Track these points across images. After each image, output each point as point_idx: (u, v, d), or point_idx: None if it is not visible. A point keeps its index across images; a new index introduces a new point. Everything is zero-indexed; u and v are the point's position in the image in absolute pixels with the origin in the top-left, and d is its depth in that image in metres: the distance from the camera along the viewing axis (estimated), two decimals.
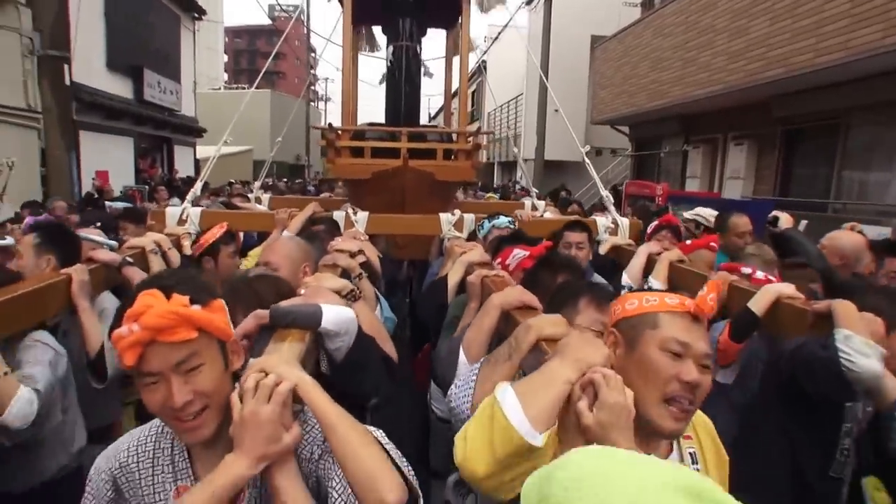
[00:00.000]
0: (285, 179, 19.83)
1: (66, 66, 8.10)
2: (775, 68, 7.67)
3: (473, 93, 28.36)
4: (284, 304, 1.44)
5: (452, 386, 1.42)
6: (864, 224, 4.36)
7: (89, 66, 10.83)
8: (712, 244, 3.26)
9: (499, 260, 2.47)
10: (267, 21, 49.95)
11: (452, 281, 2.50)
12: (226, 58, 50.38)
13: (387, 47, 5.49)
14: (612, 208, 4.08)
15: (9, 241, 2.82)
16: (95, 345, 2.13)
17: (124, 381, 2.43)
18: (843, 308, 1.73)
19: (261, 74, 6.20)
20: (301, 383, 1.09)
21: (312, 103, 31.99)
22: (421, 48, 5.46)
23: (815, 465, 1.97)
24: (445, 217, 3.82)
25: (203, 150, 16.80)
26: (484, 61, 23.45)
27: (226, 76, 50.83)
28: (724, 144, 10.75)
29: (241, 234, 3.63)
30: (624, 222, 3.82)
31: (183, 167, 15.78)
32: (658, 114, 11.87)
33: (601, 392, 1.07)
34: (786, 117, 8.82)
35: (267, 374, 1.07)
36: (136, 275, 2.40)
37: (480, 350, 1.58)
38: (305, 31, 29.52)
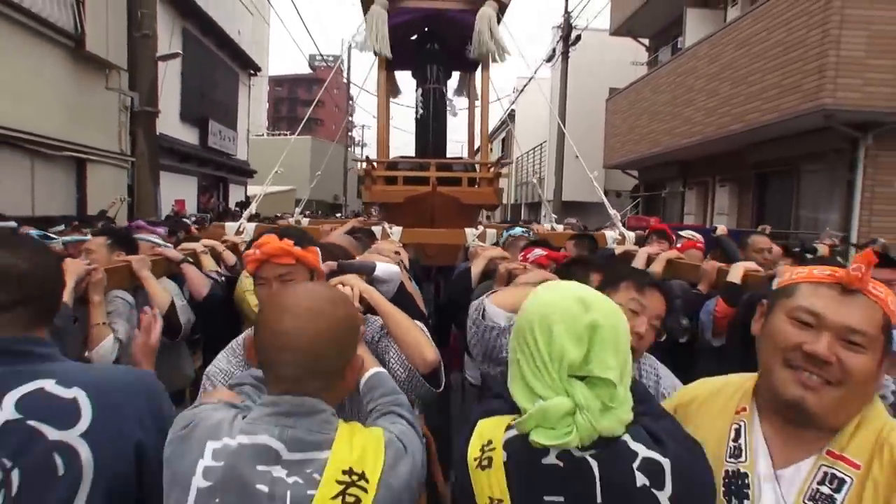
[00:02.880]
0: (320, 212, 21.83)
1: (155, 120, 10.22)
2: (737, 123, 9.54)
3: (503, 139, 30.57)
4: (350, 261, 2.11)
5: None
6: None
7: (167, 118, 13.05)
8: (699, 245, 3.92)
9: (521, 256, 2.95)
10: (306, 70, 52.83)
11: (476, 270, 3.09)
12: (266, 105, 53.12)
13: (416, 90, 6.06)
14: (619, 224, 5.01)
15: (87, 237, 3.34)
16: (164, 303, 2.59)
17: (193, 346, 2.93)
18: (786, 269, 2.08)
19: (302, 123, 7.77)
20: (365, 289, 1.68)
21: (350, 148, 34.37)
22: (446, 89, 6.11)
23: None
24: (470, 231, 4.52)
25: (252, 189, 19.06)
26: (513, 111, 25.63)
27: (265, 122, 53.58)
28: (713, 186, 12.52)
29: None
30: (630, 235, 4.65)
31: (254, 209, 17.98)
32: (659, 159, 13.74)
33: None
34: (756, 163, 10.68)
35: (343, 285, 1.67)
36: (190, 270, 2.99)
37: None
38: (344, 80, 32.12)
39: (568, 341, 1.05)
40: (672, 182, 14.49)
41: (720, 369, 2.47)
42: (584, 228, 8.74)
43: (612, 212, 5.19)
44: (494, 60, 5.46)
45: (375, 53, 5.44)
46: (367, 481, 1.03)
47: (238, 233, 4.25)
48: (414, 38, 6.03)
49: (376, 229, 4.27)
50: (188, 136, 14.80)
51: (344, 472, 1.02)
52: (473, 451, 1.11)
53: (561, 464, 1.04)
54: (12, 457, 0.99)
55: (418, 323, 1.69)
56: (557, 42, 17.93)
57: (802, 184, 9.76)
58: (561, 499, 1.03)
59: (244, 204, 9.37)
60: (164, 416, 1.16)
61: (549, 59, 18.79)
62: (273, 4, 18.81)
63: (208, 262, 3.15)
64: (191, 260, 3.05)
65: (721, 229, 5.75)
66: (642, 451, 1.02)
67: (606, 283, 1.75)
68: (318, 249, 1.76)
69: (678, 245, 3.92)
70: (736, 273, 2.63)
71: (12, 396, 1.03)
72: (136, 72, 10.04)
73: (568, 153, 15.86)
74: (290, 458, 1.03)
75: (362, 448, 1.06)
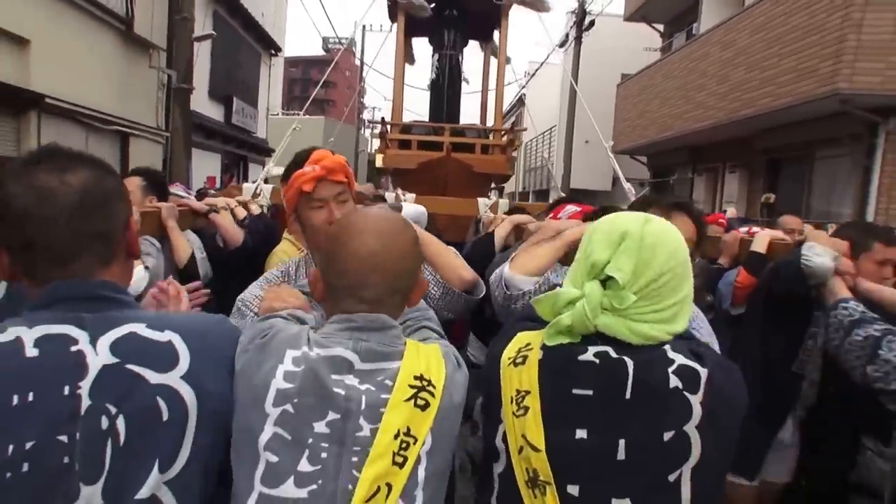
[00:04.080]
0: None
1: (190, 97, 10.63)
2: (748, 108, 9.71)
3: (512, 124, 30.75)
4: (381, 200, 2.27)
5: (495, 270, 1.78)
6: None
7: (196, 95, 13.39)
8: (721, 220, 3.90)
9: (551, 214, 2.73)
10: (320, 52, 52.89)
11: (500, 234, 2.88)
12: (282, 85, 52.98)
13: (432, 56, 6.12)
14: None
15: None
16: (184, 255, 2.65)
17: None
18: (815, 234, 2.20)
19: (309, 100, 7.97)
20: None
21: (360, 130, 34.59)
22: (462, 57, 6.06)
23: (780, 357, 2.23)
24: (483, 200, 4.39)
25: (268, 166, 19.38)
26: (524, 94, 25.71)
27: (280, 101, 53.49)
28: (722, 172, 12.68)
29: None
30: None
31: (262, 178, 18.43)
32: (669, 144, 13.86)
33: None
34: (767, 149, 10.78)
35: None
36: (221, 219, 3.00)
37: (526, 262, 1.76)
38: (356, 62, 32.23)
39: (598, 244, 1.14)
40: (681, 168, 14.59)
41: (739, 336, 2.40)
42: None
43: (626, 185, 5.09)
44: (539, 9, 5.46)
45: (392, 18, 5.69)
46: (433, 387, 1.09)
47: (255, 195, 4.28)
48: (433, 4, 5.97)
49: (389, 196, 4.25)
50: (214, 112, 15.03)
51: (415, 378, 1.08)
52: (509, 352, 1.19)
53: (597, 361, 1.09)
54: (116, 403, 0.95)
55: (451, 248, 1.72)
56: (571, 27, 18.14)
57: (816, 170, 9.81)
58: (589, 392, 1.08)
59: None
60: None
61: (561, 45, 18.99)
62: None
63: (228, 218, 3.16)
64: (216, 210, 3.08)
65: (731, 212, 5.85)
66: (679, 359, 1.07)
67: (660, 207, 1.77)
68: None
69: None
70: (761, 242, 2.56)
71: (106, 339, 0.98)
72: (174, 51, 10.27)
73: (578, 140, 16.19)
74: (363, 368, 1.08)
75: (427, 358, 1.12)
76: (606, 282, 1.10)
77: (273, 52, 19.51)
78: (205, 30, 12.40)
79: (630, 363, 1.07)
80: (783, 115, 9.25)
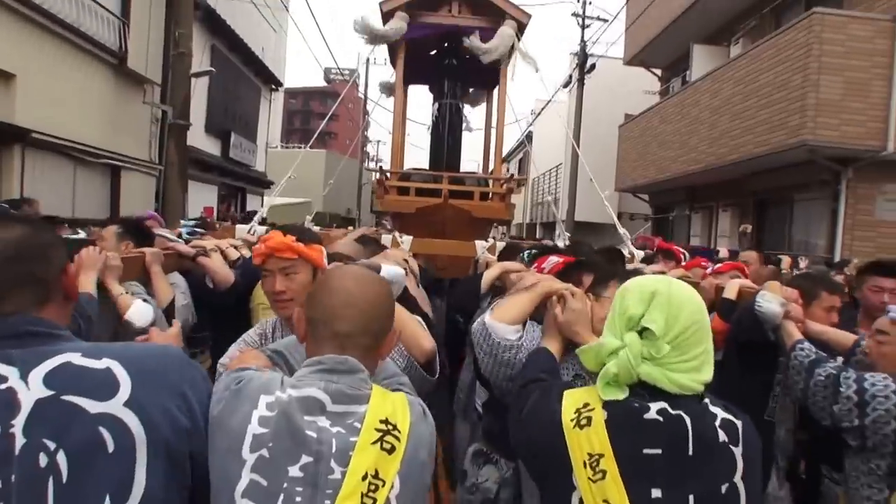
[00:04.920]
0: (334, 224, 22.78)
1: (186, 132, 11.13)
2: (734, 154, 10.65)
3: (520, 160, 31.62)
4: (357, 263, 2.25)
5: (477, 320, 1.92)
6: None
7: (193, 130, 14.07)
8: (703, 263, 4.11)
9: (536, 265, 2.85)
10: (321, 82, 52.88)
11: (488, 277, 3.05)
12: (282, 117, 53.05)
13: (432, 104, 6.23)
14: (629, 243, 5.11)
15: (81, 234, 3.40)
16: (166, 298, 2.72)
17: (190, 348, 2.90)
18: (771, 284, 2.44)
19: (314, 136, 8.25)
20: None
21: (364, 163, 35.48)
22: (462, 105, 6.25)
23: (755, 406, 2.34)
24: (480, 243, 4.68)
25: (269, 200, 20.12)
26: (531, 132, 26.65)
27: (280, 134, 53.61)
28: (716, 210, 13.60)
29: None
30: (638, 253, 4.83)
31: (264, 213, 19.08)
32: (667, 185, 14.79)
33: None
34: (755, 190, 11.78)
35: None
36: (209, 262, 3.06)
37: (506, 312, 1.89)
38: (360, 95, 32.97)
39: (632, 301, 1.34)
40: (679, 206, 15.56)
41: (719, 381, 3.04)
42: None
43: (622, 231, 5.40)
44: (536, 70, 5.74)
45: (393, 64, 5.85)
46: (399, 432, 1.18)
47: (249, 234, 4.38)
48: (432, 53, 6.29)
49: (386, 238, 4.47)
50: (212, 147, 15.92)
51: (381, 422, 1.18)
52: (568, 414, 1.30)
53: (661, 419, 1.23)
54: (55, 437, 0.94)
55: (415, 316, 1.92)
56: (574, 69, 19.06)
57: (795, 211, 10.87)
58: (658, 451, 1.22)
59: (249, 215, 9.93)
60: (201, 386, 1.19)
61: (565, 85, 19.92)
62: (293, 17, 20.13)
63: (219, 260, 3.20)
64: (205, 253, 3.15)
65: (723, 252, 6.85)
66: (720, 412, 1.28)
67: (598, 281, 1.95)
68: (322, 248, 2.05)
69: (684, 264, 4.17)
70: (732, 289, 2.77)
71: (38, 372, 0.97)
72: (170, 87, 10.71)
73: (581, 176, 16.88)
74: (334, 410, 1.17)
75: (393, 404, 1.23)
76: (642, 333, 1.30)
77: (273, 86, 20.47)
78: (203, 65, 13.04)
79: (688, 419, 1.23)
80: (764, 162, 10.31)
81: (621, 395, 1.27)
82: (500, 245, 4.52)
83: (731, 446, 1.24)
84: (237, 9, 15.32)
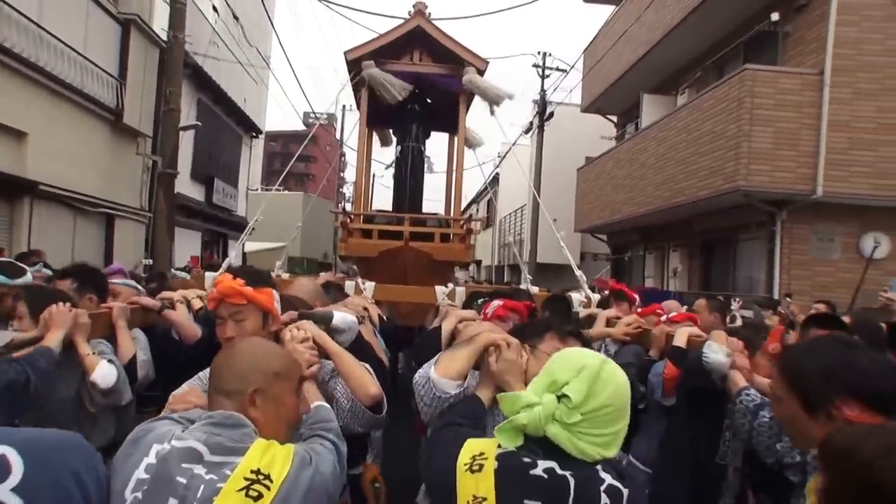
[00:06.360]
0: (314, 272, 23.11)
1: (174, 181, 11.64)
2: (679, 197, 11.47)
3: (488, 202, 32.34)
4: (311, 311, 2.32)
5: (420, 370, 1.97)
6: (743, 309, 6.90)
7: (179, 177, 14.63)
8: (658, 310, 4.04)
9: (483, 311, 2.96)
10: (300, 126, 53.98)
11: (447, 328, 2.99)
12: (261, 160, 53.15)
13: (395, 146, 6.35)
14: (586, 287, 5.19)
15: (28, 275, 3.10)
16: (128, 354, 2.66)
17: (142, 408, 2.89)
18: (716, 334, 2.57)
19: (283, 174, 8.77)
20: (317, 333, 1.96)
21: (340, 205, 35.89)
22: (425, 147, 6.34)
23: (706, 451, 2.47)
24: (440, 289, 4.59)
25: (250, 245, 20.67)
26: (497, 174, 27.50)
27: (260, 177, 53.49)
28: (668, 251, 14.33)
29: None
30: (595, 297, 4.87)
31: (233, 259, 19.52)
32: (622, 226, 15.59)
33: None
34: (702, 231, 12.55)
35: (298, 328, 1.94)
36: (176, 316, 3.02)
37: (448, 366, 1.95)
38: (336, 137, 33.54)
39: (562, 368, 1.43)
40: (635, 246, 16.38)
41: (670, 427, 2.75)
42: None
43: (578, 273, 5.47)
44: (495, 102, 5.84)
45: (358, 108, 5.92)
46: (271, 481, 1.25)
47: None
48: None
49: (349, 284, 4.49)
50: (196, 193, 16.37)
51: (251, 472, 1.26)
52: (464, 457, 1.42)
53: (545, 476, 1.33)
54: None
55: (364, 364, 1.98)
56: (535, 115, 20.16)
57: (738, 251, 11.61)
58: (539, 503, 1.31)
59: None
60: (100, 474, 1.22)
61: (526, 131, 20.98)
62: (273, 72, 20.94)
63: (184, 311, 3.16)
64: (170, 306, 3.11)
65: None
66: (609, 479, 1.35)
67: (532, 333, 2.00)
68: (273, 291, 2.04)
69: (640, 309, 4.19)
70: (681, 338, 2.87)
71: None
72: (160, 139, 11.38)
73: (543, 218, 17.60)
74: (211, 460, 1.27)
75: (272, 456, 1.31)
76: (561, 399, 1.37)
77: (254, 133, 21.25)
78: (190, 116, 13.64)
79: (572, 481, 1.32)
80: (707, 204, 11.09)
81: (516, 441, 1.39)
82: (460, 291, 4.56)
83: None
84: (222, 64, 16.10)
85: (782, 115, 9.44)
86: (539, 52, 20.37)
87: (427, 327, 4.44)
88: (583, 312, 4.25)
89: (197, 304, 3.41)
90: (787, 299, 7.92)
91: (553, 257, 18.69)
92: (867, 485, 1.04)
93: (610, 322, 3.58)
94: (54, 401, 2.36)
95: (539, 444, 1.38)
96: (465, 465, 1.40)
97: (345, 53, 5.81)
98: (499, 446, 1.41)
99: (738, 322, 6.68)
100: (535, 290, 5.41)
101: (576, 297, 4.81)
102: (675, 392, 2.79)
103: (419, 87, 5.98)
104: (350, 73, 5.89)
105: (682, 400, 2.68)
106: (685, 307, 5.73)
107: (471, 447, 1.45)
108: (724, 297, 6.93)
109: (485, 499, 1.33)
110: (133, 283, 3.64)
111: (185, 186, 15.29)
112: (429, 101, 6.03)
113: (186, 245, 15.66)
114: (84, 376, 2.42)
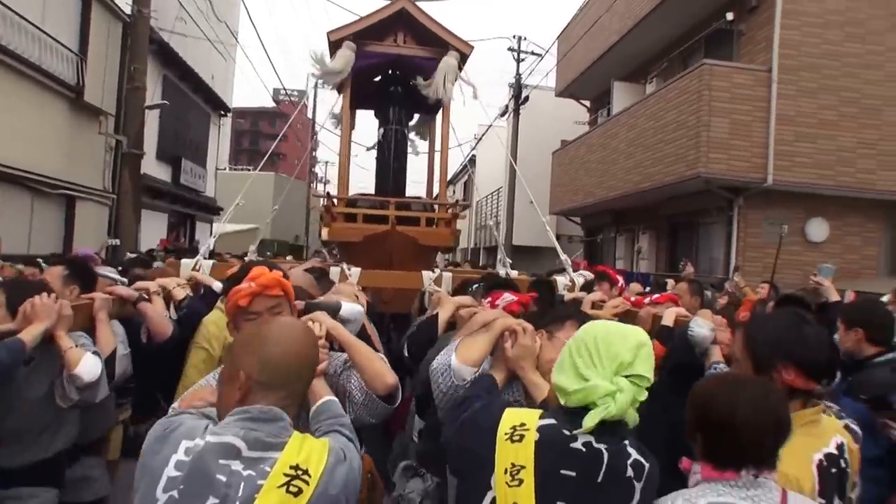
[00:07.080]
0: (287, 256, 22.83)
1: (140, 162, 11.09)
2: (647, 182, 11.76)
3: (465, 183, 32.23)
4: (317, 300, 2.34)
5: (437, 357, 2.04)
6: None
7: (145, 157, 14.33)
8: (643, 301, 4.00)
9: (489, 299, 2.83)
10: (270, 104, 52.13)
11: (443, 317, 2.97)
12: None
13: (378, 129, 6.19)
14: (570, 270, 5.10)
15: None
16: (109, 348, 2.54)
17: (118, 399, 2.86)
18: (703, 312, 2.76)
19: (265, 158, 8.42)
20: (332, 325, 1.93)
21: (312, 185, 35.35)
22: (408, 130, 6.29)
23: (683, 426, 2.43)
24: (427, 274, 4.51)
25: (218, 229, 20.30)
26: (474, 156, 27.41)
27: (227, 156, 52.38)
28: (637, 233, 14.63)
29: None
30: (579, 281, 4.72)
31: (202, 241, 19.14)
32: (595, 208, 15.83)
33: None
34: (668, 215, 12.94)
35: (313, 321, 1.90)
36: (150, 309, 2.89)
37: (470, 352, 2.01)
38: (308, 116, 32.95)
39: (622, 348, 1.48)
40: (607, 229, 16.70)
41: (654, 402, 2.96)
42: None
43: (563, 257, 5.32)
44: (475, 97, 5.74)
45: (339, 91, 5.79)
46: (309, 476, 1.26)
47: (195, 270, 4.17)
48: (378, 79, 6.36)
49: (334, 270, 4.34)
50: (162, 173, 16.06)
51: (291, 468, 1.26)
52: (504, 427, 1.49)
53: (584, 449, 1.43)
54: None
55: (380, 354, 2.00)
56: (510, 99, 20.14)
57: (700, 233, 12.09)
58: (573, 473, 1.41)
59: (195, 248, 9.65)
60: None
61: (502, 114, 20.96)
62: (239, 41, 20.45)
63: (160, 303, 3.06)
64: (146, 298, 2.97)
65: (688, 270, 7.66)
66: (634, 454, 1.47)
67: (553, 320, 2.09)
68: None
69: (626, 295, 4.11)
70: (669, 317, 2.97)
71: None
72: (125, 118, 11.11)
73: (519, 200, 17.75)
74: (250, 456, 1.26)
75: (309, 451, 1.31)
76: (630, 378, 1.46)
77: (222, 112, 20.87)
78: (154, 94, 13.31)
79: (605, 454, 1.43)
80: (673, 189, 11.45)
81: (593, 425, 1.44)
82: (447, 276, 4.50)
83: (634, 481, 1.44)
84: (188, 39, 15.74)
85: (737, 108, 9.97)
86: (514, 36, 20.31)
87: (412, 314, 4.51)
88: (567, 296, 4.27)
89: (178, 293, 3.30)
90: (736, 274, 8.16)
91: (529, 240, 18.81)
92: (700, 416, 1.46)
93: (595, 305, 3.62)
94: (26, 399, 2.31)
95: (579, 415, 1.45)
96: (506, 434, 1.46)
97: (327, 34, 5.73)
98: (540, 417, 1.50)
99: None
100: (514, 273, 5.44)
101: (560, 280, 4.79)
102: (658, 369, 2.92)
103: (402, 69, 5.95)
104: (331, 55, 5.74)
105: (665, 376, 2.76)
106: (647, 288, 6.02)
107: (511, 417, 1.51)
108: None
109: (523, 467, 1.41)
110: (110, 271, 3.43)
111: (151, 167, 14.94)
112: (412, 83, 5.90)
113: (152, 227, 15.38)
114: (60, 372, 2.34)
